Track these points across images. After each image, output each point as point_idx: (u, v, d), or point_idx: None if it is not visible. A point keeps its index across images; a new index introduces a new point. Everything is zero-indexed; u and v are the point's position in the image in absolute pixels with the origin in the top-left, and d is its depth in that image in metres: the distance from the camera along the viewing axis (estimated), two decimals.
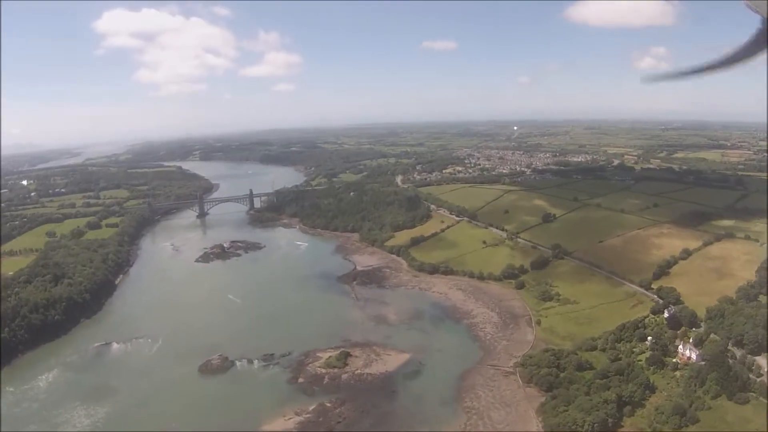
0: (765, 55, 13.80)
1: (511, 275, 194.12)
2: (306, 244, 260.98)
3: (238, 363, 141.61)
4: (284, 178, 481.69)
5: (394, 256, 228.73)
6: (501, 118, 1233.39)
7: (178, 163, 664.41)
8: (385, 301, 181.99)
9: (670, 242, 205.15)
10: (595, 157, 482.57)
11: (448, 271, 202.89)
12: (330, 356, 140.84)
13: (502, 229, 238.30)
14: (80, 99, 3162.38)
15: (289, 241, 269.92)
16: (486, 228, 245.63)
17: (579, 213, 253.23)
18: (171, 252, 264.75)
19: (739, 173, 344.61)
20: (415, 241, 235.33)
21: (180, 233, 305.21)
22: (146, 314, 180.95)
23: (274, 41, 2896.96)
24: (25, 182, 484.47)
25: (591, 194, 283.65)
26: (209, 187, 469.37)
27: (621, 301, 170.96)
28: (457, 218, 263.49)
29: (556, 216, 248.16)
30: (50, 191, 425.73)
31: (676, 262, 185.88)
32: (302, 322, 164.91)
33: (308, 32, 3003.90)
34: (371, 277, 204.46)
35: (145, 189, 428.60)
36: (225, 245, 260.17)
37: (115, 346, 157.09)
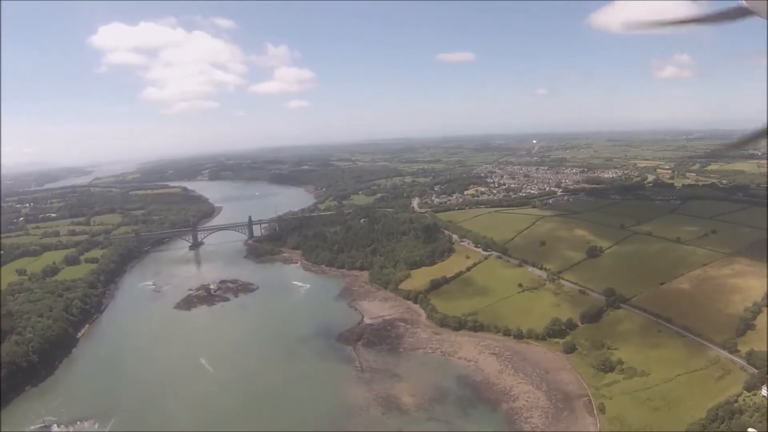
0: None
1: (558, 332, 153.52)
2: (307, 285, 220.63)
3: None
4: (292, 200, 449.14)
5: (410, 303, 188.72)
6: (518, 131, 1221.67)
7: (185, 183, 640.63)
8: (397, 372, 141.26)
9: (746, 283, 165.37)
10: (626, 172, 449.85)
11: (477, 327, 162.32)
12: None
13: (541, 268, 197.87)
14: (91, 118, 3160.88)
15: (288, 281, 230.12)
16: (520, 266, 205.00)
17: (629, 245, 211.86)
18: (150, 294, 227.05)
19: None
20: (436, 284, 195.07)
21: (167, 268, 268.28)
22: (102, 383, 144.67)
23: (283, 56, 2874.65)
24: (19, 205, 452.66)
25: (636, 219, 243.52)
26: (211, 212, 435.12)
27: (702, 370, 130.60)
28: (485, 253, 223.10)
29: (603, 249, 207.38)
30: (41, 215, 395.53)
31: (760, 311, 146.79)
32: (287, 408, 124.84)
33: (318, 46, 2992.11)
34: (381, 336, 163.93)
35: (140, 214, 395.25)
36: (212, 287, 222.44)
37: (54, 430, 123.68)
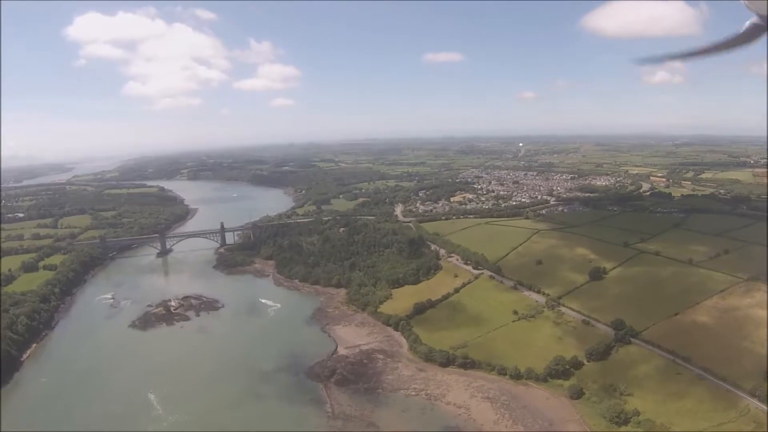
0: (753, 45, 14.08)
1: (561, 373, 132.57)
2: (277, 305, 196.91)
3: None
4: (270, 203, 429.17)
5: (390, 330, 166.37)
6: (504, 134, 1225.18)
7: (164, 183, 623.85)
8: (374, 420, 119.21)
9: None
10: (618, 179, 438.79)
11: (467, 364, 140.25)
12: None
13: (538, 291, 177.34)
14: (74, 114, 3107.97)
15: (257, 298, 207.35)
16: (515, 288, 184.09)
17: (635, 266, 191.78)
18: (107, 309, 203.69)
19: None
20: (420, 309, 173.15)
21: (130, 278, 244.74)
22: (33, 423, 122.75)
23: (267, 52, 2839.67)
24: None
25: (639, 234, 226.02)
26: (185, 214, 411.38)
27: (731, 422, 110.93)
28: (475, 271, 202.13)
29: (607, 270, 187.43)
30: (9, 215, 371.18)
31: None
32: None
33: (303, 44, 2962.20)
34: (357, 371, 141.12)
35: (111, 216, 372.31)
36: (173, 303, 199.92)
37: None
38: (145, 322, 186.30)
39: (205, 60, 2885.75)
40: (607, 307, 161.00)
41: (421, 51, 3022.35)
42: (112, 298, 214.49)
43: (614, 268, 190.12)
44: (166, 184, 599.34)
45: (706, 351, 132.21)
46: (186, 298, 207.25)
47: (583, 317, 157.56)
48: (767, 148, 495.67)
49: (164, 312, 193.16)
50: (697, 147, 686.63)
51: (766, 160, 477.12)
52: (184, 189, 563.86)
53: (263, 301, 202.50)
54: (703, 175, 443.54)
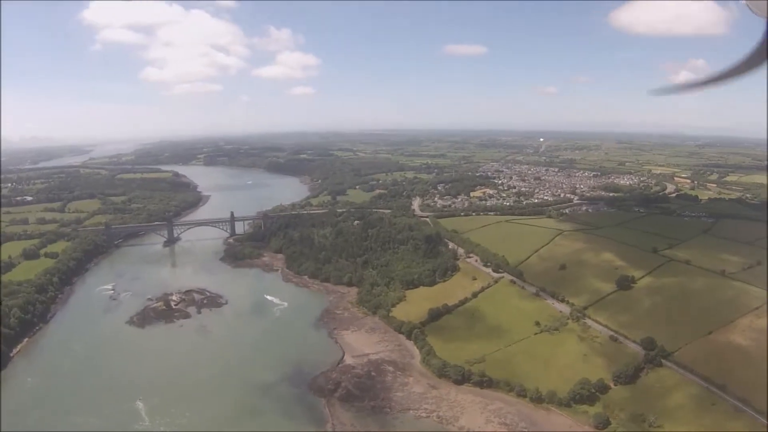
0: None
1: (586, 397, 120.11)
2: (284, 304, 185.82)
3: None
4: (285, 191, 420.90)
5: (402, 338, 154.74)
6: (525, 128, 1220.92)
7: (179, 167, 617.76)
8: None
9: None
10: (642, 179, 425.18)
11: (484, 383, 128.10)
12: None
13: (562, 300, 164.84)
14: (92, 97, 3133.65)
15: (263, 295, 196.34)
16: (537, 295, 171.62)
17: (665, 276, 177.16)
18: (106, 302, 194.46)
19: None
20: (435, 315, 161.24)
21: (133, 268, 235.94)
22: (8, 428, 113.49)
23: (286, 39, 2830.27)
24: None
25: (667, 240, 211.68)
26: (196, 201, 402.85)
27: None
28: (494, 274, 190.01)
29: (635, 279, 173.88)
30: (18, 198, 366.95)
31: None
32: None
33: (323, 32, 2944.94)
34: (363, 386, 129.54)
35: (120, 201, 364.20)
36: (174, 298, 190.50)
37: None
38: (144, 318, 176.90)
39: (224, 47, 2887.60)
40: (636, 322, 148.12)
41: (443, 42, 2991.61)
42: (113, 290, 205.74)
43: (642, 276, 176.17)
44: (181, 169, 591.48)
45: (743, 378, 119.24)
46: (189, 292, 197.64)
47: (611, 332, 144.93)
48: (767, 149, 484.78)
49: (164, 308, 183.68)
50: (719, 148, 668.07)
51: None
52: (198, 175, 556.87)
53: (269, 298, 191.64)
54: (728, 178, 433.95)
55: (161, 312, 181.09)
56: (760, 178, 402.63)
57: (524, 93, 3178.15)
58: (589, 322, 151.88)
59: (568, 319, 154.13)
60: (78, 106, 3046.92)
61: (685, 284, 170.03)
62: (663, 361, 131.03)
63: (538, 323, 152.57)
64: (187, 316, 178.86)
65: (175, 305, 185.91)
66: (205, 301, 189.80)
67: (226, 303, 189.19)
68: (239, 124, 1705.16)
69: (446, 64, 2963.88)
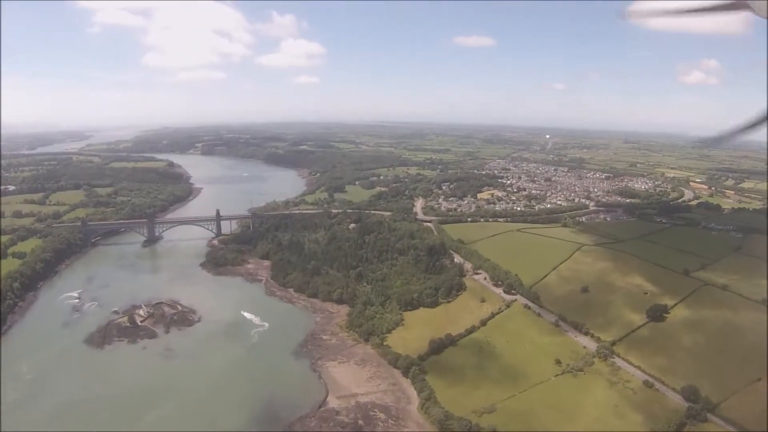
0: None
1: None
2: (264, 325, 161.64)
3: None
4: (281, 185, 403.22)
5: (398, 374, 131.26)
6: (530, 124, 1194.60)
7: (176, 156, 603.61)
8: None
9: None
10: (657, 183, 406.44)
11: None
12: None
13: (587, 333, 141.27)
14: (92, 82, 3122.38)
15: (241, 311, 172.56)
16: (557, 325, 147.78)
17: (701, 305, 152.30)
18: (67, 313, 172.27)
19: None
20: (437, 347, 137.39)
21: (106, 272, 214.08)
22: None
23: (290, 25, 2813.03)
24: None
25: (698, 258, 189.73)
26: (187, 195, 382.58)
27: None
28: (506, 296, 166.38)
29: (668, 308, 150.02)
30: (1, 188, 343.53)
31: None
32: None
33: (328, 19, 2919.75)
34: None
35: (106, 193, 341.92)
36: (141, 312, 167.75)
37: None
38: (105, 335, 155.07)
39: (227, 33, 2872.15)
40: (674, 365, 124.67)
41: (453, 33, 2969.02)
42: (78, 298, 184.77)
43: (675, 304, 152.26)
44: (178, 159, 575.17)
45: None
46: (159, 305, 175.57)
47: (645, 376, 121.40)
48: (767, 150, 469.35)
49: (129, 324, 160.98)
50: (729, 151, 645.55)
51: None
52: (194, 165, 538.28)
53: (248, 317, 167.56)
54: (744, 185, 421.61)
55: (124, 329, 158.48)
56: None
57: (532, 88, 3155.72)
58: (618, 361, 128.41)
59: (594, 357, 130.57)
60: (78, 92, 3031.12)
61: (726, 317, 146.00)
62: (710, 414, 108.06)
63: (559, 362, 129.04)
64: (153, 335, 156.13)
65: (142, 321, 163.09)
66: (175, 317, 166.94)
67: (199, 320, 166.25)
68: (243, 113, 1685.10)
69: (455, 57, 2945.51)
